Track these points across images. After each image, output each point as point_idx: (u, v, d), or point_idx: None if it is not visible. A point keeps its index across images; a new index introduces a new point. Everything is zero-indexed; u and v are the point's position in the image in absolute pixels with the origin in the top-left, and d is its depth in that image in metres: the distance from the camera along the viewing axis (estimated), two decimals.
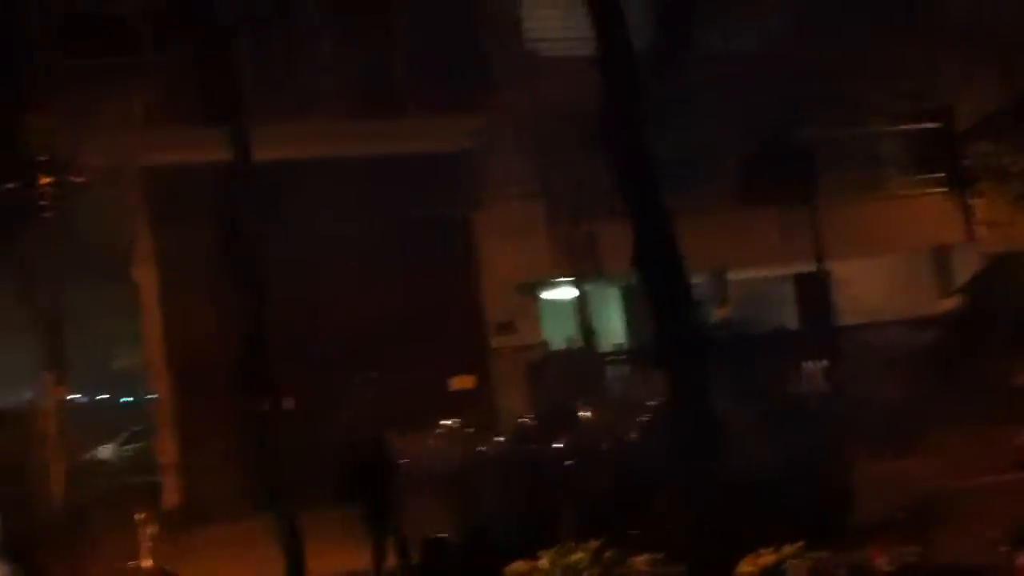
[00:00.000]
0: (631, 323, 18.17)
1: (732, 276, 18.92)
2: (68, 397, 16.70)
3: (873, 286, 19.36)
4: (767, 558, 7.40)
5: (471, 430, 11.20)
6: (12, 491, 17.49)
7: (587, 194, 16.92)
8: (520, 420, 11.71)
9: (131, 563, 13.28)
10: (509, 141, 17.99)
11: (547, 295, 18.24)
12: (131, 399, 27.03)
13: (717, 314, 16.80)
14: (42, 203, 15.56)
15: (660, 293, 10.69)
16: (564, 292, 17.76)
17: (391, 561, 11.52)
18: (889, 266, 20.22)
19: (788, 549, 7.39)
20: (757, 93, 16.83)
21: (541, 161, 18.13)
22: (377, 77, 18.11)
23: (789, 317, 19.27)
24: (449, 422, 11.51)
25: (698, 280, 15.12)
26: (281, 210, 14.88)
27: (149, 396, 20.16)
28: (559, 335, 17.67)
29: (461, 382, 16.46)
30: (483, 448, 10.47)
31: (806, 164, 17.44)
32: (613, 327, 18.26)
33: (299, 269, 16.56)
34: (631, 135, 9.52)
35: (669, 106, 11.64)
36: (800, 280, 19.60)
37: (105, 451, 26.37)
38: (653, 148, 9.58)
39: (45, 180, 15.49)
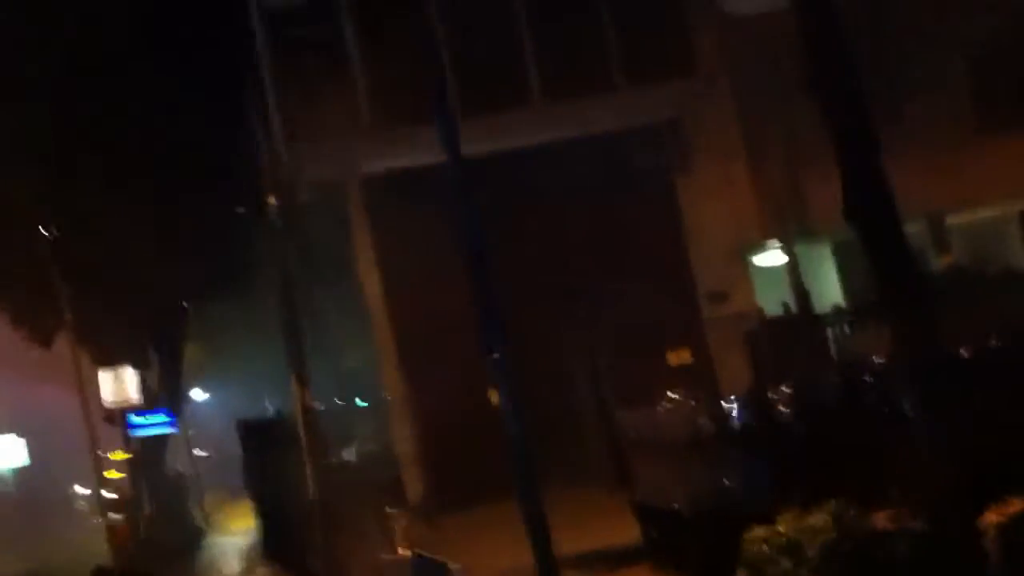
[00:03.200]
0: (847, 282, 17.78)
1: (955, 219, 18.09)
2: (313, 402, 17.75)
3: None
4: (1016, 506, 7.26)
5: (694, 402, 11.34)
6: (272, 495, 18.86)
7: (794, 152, 16.70)
8: (746, 390, 11.77)
9: (387, 556, 14.11)
10: (712, 105, 17.94)
11: (758, 260, 18.06)
12: (365, 400, 28.41)
13: (940, 262, 16.24)
14: (271, 221, 16.50)
15: (875, 246, 10.52)
16: (775, 256, 17.54)
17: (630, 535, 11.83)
18: None
19: None
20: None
21: (746, 123, 17.98)
22: (579, 55, 18.22)
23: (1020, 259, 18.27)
24: (673, 395, 11.68)
25: (915, 227, 14.70)
26: (496, 201, 15.39)
27: (383, 395, 21.18)
28: (773, 300, 17.50)
29: (679, 356, 16.60)
30: (707, 419, 10.60)
31: None
32: (829, 288, 17.91)
33: (516, 257, 17.14)
34: (839, 82, 9.38)
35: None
36: None
37: (348, 452, 27.81)
38: (863, 89, 9.41)
39: (271, 200, 16.39)
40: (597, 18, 18.23)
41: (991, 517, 7.35)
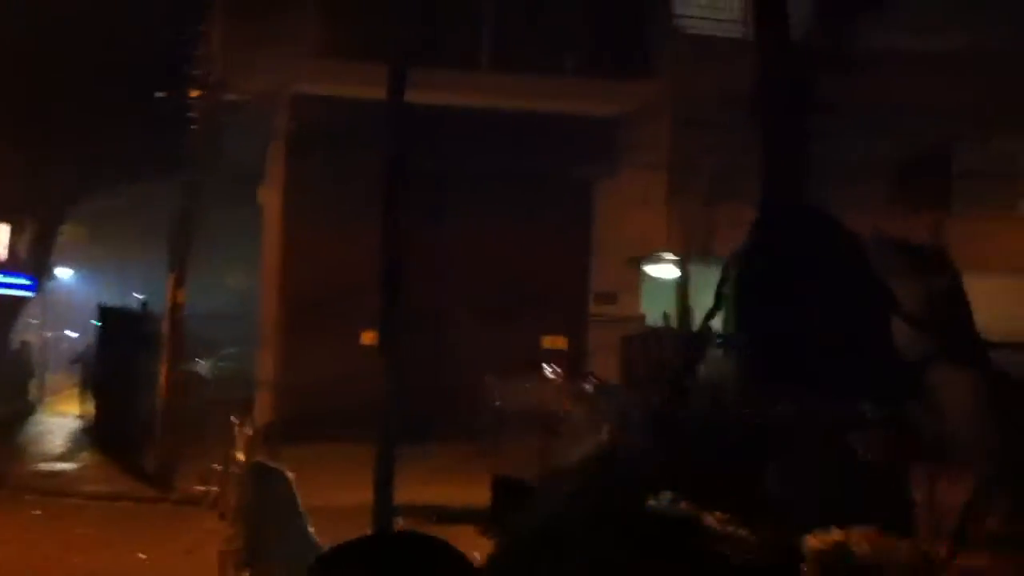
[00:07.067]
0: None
1: None
2: (183, 303, 17.43)
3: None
4: (836, 535, 7.54)
5: (563, 380, 11.55)
6: (117, 386, 18.41)
7: (715, 176, 17.01)
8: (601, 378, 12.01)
9: (218, 466, 13.89)
10: (649, 115, 18.17)
11: (653, 270, 18.37)
12: (239, 317, 28.00)
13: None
14: (189, 116, 16.11)
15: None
16: (670, 270, 17.87)
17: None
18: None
19: (857, 530, 7.53)
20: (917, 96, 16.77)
21: (677, 137, 18.25)
22: (539, 35, 18.39)
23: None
24: (548, 369, 11.87)
25: None
26: (422, 152, 15.24)
27: (258, 315, 20.88)
28: (656, 311, 17.84)
29: (553, 342, 16.76)
30: (574, 397, 10.81)
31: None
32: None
33: (428, 211, 17.06)
34: (781, 124, 9.57)
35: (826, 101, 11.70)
36: None
37: (208, 362, 27.33)
38: (802, 141, 9.63)
39: (194, 93, 16.00)
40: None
41: (813, 542, 7.62)
